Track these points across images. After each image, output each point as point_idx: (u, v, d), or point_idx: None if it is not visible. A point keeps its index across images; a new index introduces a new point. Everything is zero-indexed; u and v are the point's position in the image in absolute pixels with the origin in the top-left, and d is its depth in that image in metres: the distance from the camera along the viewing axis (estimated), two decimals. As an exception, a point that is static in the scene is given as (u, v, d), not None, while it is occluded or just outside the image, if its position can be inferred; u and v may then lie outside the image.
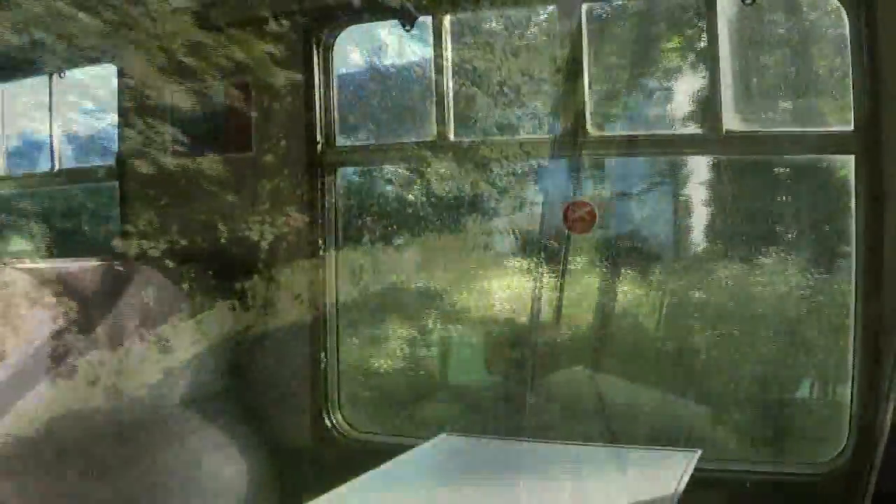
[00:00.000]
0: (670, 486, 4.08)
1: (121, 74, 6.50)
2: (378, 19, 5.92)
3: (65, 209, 7.48)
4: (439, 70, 5.70)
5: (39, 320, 4.56)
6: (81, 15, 6.05)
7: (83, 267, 5.13)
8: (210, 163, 6.14)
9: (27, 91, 7.47)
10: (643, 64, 5.84)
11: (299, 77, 5.88)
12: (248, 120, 5.99)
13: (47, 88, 7.05)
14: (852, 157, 5.00)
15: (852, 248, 5.05)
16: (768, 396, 5.62)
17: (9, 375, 4.33)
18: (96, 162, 7.32)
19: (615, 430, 5.65)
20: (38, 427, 4.51)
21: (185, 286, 5.55)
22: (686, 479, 4.18)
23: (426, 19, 5.69)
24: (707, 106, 5.24)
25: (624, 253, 5.79)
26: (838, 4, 4.97)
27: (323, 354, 5.90)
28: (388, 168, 6.28)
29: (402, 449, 5.00)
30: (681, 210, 5.77)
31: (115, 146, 6.62)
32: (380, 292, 6.30)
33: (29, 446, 4.45)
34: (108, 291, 5.10)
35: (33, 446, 4.48)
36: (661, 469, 4.43)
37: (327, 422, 5.87)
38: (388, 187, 6.34)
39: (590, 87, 5.45)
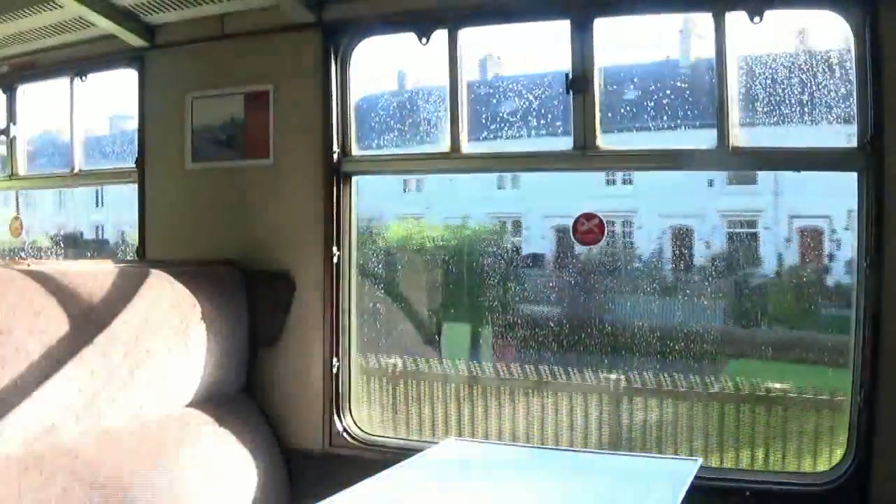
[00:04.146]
0: (671, 495, 4.17)
1: (141, 79, 6.60)
2: (395, 32, 6.00)
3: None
4: (454, 82, 5.78)
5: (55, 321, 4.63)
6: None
7: (100, 269, 5.20)
8: (228, 169, 6.24)
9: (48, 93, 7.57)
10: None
11: (317, 87, 5.98)
12: (266, 128, 6.09)
13: (68, 91, 7.15)
14: (855, 175, 5.08)
15: (854, 264, 5.12)
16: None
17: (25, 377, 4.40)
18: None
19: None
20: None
21: (203, 290, 5.62)
22: (686, 487, 4.26)
23: (442, 32, 5.77)
24: (715, 122, 5.29)
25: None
26: (844, 23, 5.03)
27: (335, 358, 5.99)
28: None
29: (412, 452, 5.10)
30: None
31: (134, 149, 6.72)
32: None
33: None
34: (125, 293, 5.16)
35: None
36: (663, 477, 4.51)
37: (338, 425, 5.96)
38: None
39: (600, 101, 5.52)
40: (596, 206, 10.51)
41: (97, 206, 13.33)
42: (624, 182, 10.39)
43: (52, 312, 4.59)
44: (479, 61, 8.21)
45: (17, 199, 8.51)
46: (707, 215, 9.77)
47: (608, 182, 10.39)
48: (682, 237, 10.00)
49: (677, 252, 10.01)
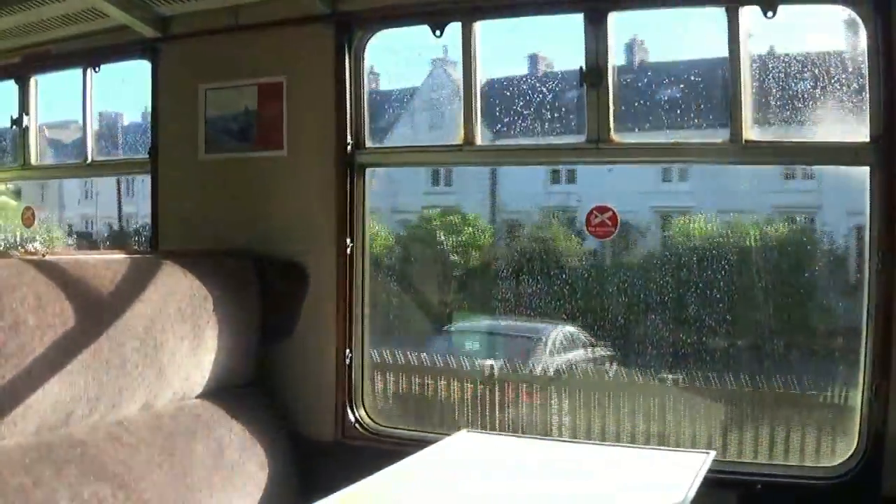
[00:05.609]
0: (683, 488, 4.18)
1: (154, 69, 6.62)
2: (409, 24, 6.03)
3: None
4: (468, 75, 5.80)
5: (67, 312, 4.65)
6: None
7: (113, 259, 5.22)
8: (241, 159, 6.26)
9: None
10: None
11: (330, 79, 5.99)
12: (279, 119, 6.11)
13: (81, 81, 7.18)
14: (868, 169, 5.09)
15: (866, 258, 5.13)
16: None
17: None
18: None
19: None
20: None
21: (215, 280, 5.63)
22: (699, 480, 4.27)
23: (455, 25, 5.79)
24: (729, 116, 5.31)
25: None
26: (856, 17, 5.04)
27: (348, 350, 6.01)
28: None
29: (424, 444, 5.12)
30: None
31: (148, 140, 6.74)
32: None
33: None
34: (138, 284, 5.18)
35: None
36: (675, 470, 4.53)
37: (351, 416, 5.98)
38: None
39: (614, 94, 5.53)
40: (774, 201, 10.21)
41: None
42: (804, 177, 10.17)
43: (65, 303, 4.60)
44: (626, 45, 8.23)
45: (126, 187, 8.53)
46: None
47: (786, 176, 10.19)
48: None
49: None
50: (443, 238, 12.33)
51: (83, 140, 7.23)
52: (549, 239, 11.63)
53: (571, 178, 12.25)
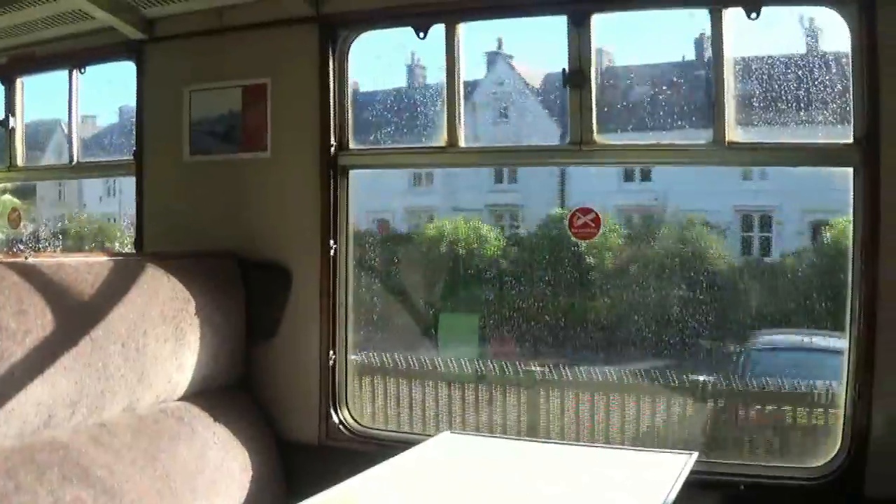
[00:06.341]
0: (666, 488, 4.18)
1: (139, 71, 6.61)
2: (393, 26, 6.02)
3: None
4: (451, 76, 5.80)
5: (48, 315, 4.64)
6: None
7: (96, 261, 5.21)
8: (225, 161, 6.25)
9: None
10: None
11: (314, 81, 5.99)
12: (263, 121, 6.10)
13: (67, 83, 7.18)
14: (851, 170, 5.09)
15: (849, 258, 5.14)
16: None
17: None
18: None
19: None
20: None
21: (199, 282, 5.63)
22: (682, 480, 4.27)
23: (439, 27, 5.79)
24: (712, 117, 5.31)
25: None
26: (840, 19, 5.04)
27: (332, 352, 6.00)
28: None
29: (407, 445, 5.11)
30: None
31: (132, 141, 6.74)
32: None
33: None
34: (121, 286, 5.17)
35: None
36: (658, 470, 4.53)
37: (335, 418, 5.98)
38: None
39: (597, 96, 5.54)
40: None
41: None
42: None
43: (48, 306, 4.59)
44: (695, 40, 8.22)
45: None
46: None
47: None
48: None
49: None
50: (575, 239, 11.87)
51: (69, 142, 7.21)
52: (693, 240, 11.34)
53: (646, 176, 12.09)
